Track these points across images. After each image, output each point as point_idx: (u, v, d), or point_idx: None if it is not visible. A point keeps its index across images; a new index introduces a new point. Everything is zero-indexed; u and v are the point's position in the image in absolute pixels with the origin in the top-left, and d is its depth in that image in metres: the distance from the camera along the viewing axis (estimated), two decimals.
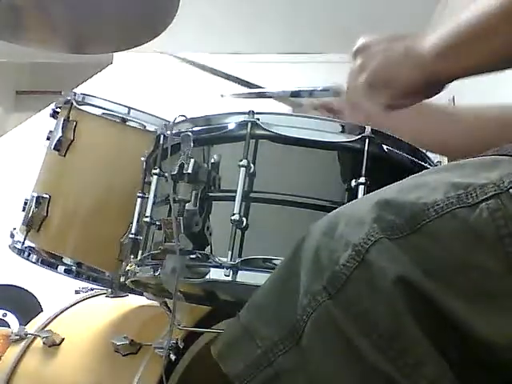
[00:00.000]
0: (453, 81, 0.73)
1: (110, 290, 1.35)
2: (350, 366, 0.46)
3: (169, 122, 0.93)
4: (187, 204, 0.79)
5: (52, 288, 1.96)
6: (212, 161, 0.83)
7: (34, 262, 1.17)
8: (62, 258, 1.15)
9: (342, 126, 0.83)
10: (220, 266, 0.76)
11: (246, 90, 1.05)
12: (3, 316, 2.42)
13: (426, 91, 0.77)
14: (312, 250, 0.52)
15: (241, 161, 0.79)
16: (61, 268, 1.16)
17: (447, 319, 0.45)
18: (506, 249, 0.46)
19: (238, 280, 0.76)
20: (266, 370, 0.50)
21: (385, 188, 0.55)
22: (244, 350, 0.53)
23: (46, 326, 1.29)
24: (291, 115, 0.86)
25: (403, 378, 0.45)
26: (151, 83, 3.64)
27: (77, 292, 1.42)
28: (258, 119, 0.81)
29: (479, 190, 0.48)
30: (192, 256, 0.79)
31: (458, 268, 0.47)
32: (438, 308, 0.45)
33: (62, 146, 1.17)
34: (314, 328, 0.48)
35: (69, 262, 1.15)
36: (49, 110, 1.26)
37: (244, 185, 0.79)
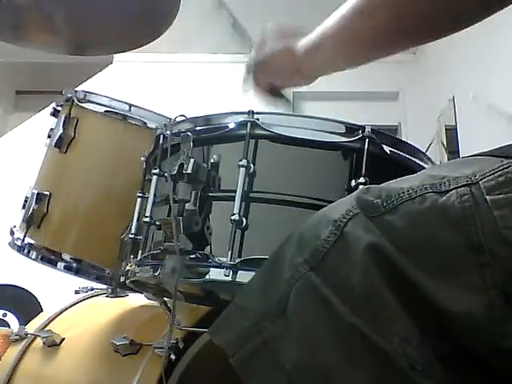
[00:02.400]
0: (318, 75, 0.88)
1: (109, 290, 1.35)
2: (330, 328, 0.50)
3: (170, 119, 0.93)
4: (187, 204, 0.79)
5: (52, 288, 1.96)
6: (212, 161, 0.83)
7: (34, 259, 1.17)
8: (61, 254, 1.15)
9: (342, 126, 0.83)
10: (220, 265, 0.76)
11: None
12: (3, 316, 2.42)
13: (298, 81, 0.93)
14: (298, 233, 0.56)
15: (240, 161, 0.79)
16: (60, 265, 1.16)
17: (413, 287, 0.49)
18: (469, 228, 0.49)
19: (237, 280, 0.76)
20: (254, 338, 0.54)
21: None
22: (234, 323, 0.57)
23: (45, 326, 1.29)
24: (291, 115, 0.86)
25: (378, 336, 0.48)
26: (151, 83, 3.64)
27: (77, 292, 1.42)
28: (258, 119, 0.81)
29: (452, 180, 0.52)
30: (192, 256, 0.79)
31: (424, 243, 0.51)
32: (404, 277, 0.49)
33: (62, 143, 1.17)
34: (296, 297, 0.52)
35: (68, 259, 1.15)
36: (49, 109, 1.26)
37: (244, 185, 0.79)
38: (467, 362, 0.49)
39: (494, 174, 0.51)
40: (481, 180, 0.51)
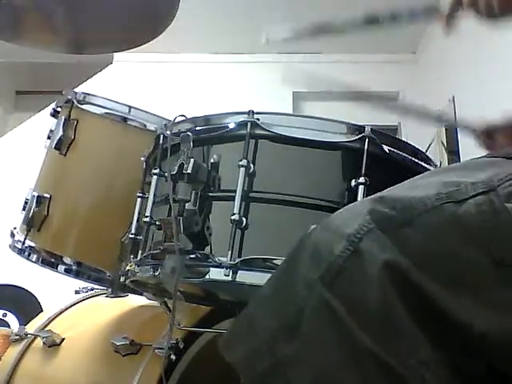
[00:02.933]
0: None
1: (110, 290, 1.35)
2: (345, 349, 0.48)
3: (169, 121, 0.93)
4: (187, 204, 0.79)
5: (52, 288, 1.95)
6: (212, 161, 0.83)
7: (35, 262, 1.16)
8: (62, 257, 1.15)
9: (342, 126, 0.83)
10: (220, 265, 0.76)
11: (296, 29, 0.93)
12: (3, 316, 2.42)
13: None
14: (312, 244, 0.54)
15: (240, 161, 0.79)
16: (61, 267, 1.16)
17: (431, 305, 0.47)
18: (490, 242, 0.48)
19: (237, 280, 0.76)
20: (266, 358, 0.52)
21: (388, 189, 0.57)
22: (245, 339, 0.55)
23: (46, 326, 1.29)
24: (291, 115, 0.86)
25: (393, 359, 0.46)
26: (151, 83, 3.64)
27: (77, 292, 1.42)
28: (258, 119, 0.81)
29: (470, 187, 0.50)
30: (192, 256, 0.79)
31: (443, 258, 0.49)
32: (423, 294, 0.47)
33: (62, 145, 1.17)
34: (311, 316, 0.50)
35: (69, 262, 1.15)
36: (49, 109, 1.26)
37: (244, 185, 0.79)
38: (490, 379, 0.47)
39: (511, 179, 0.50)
40: (499, 186, 0.50)
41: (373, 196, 0.55)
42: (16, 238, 1.18)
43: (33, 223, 1.14)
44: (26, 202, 1.20)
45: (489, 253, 0.47)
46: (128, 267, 0.90)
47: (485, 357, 0.47)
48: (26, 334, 1.28)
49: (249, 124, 0.81)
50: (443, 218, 0.50)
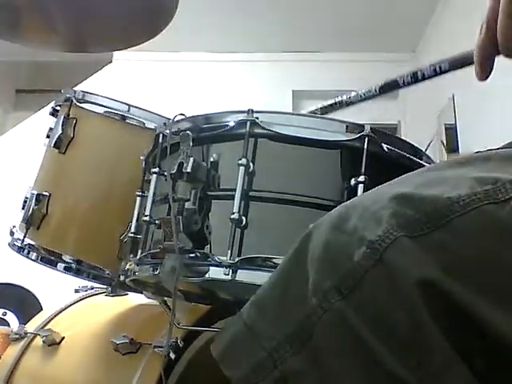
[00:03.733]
0: None
1: (109, 289, 1.35)
2: (365, 371, 0.43)
3: (169, 119, 0.93)
4: (186, 203, 0.79)
5: (52, 287, 1.96)
6: (211, 159, 0.83)
7: (34, 260, 1.16)
8: (61, 255, 1.15)
9: (342, 125, 0.83)
10: (219, 264, 0.76)
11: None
12: (3, 315, 2.42)
13: None
14: (321, 244, 0.47)
15: (240, 159, 0.79)
16: (60, 266, 1.15)
17: (473, 324, 0.41)
18: None
19: (237, 279, 0.76)
20: (272, 373, 0.46)
21: (398, 181, 0.51)
22: (247, 352, 0.49)
23: (45, 325, 1.29)
24: (290, 114, 0.86)
25: None
26: (150, 82, 3.64)
27: (76, 291, 1.42)
28: (258, 118, 0.81)
29: (509, 185, 0.45)
30: (191, 255, 0.79)
31: (486, 268, 0.43)
32: (463, 312, 0.42)
33: (61, 144, 1.17)
34: (325, 330, 0.45)
35: (68, 260, 1.15)
36: (48, 108, 1.26)
37: (243, 183, 0.79)
38: None
39: None
40: None
41: (393, 192, 0.47)
42: (15, 237, 1.18)
43: (32, 221, 1.14)
44: (25, 201, 1.20)
45: None
46: (127, 266, 0.90)
47: None
48: (26, 333, 1.28)
49: (248, 123, 0.81)
50: (484, 222, 0.44)
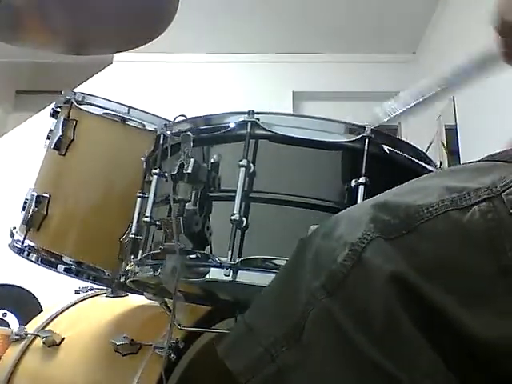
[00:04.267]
0: None
1: (109, 290, 1.35)
2: (348, 360, 0.47)
3: (169, 121, 0.93)
4: (187, 204, 0.79)
5: (52, 288, 1.96)
6: (212, 161, 0.83)
7: (34, 261, 1.16)
8: (61, 257, 1.15)
9: (343, 126, 0.83)
10: (220, 265, 0.76)
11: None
12: (3, 316, 2.41)
13: None
14: (312, 251, 0.53)
15: (241, 161, 0.79)
16: (60, 267, 1.15)
17: (439, 316, 0.46)
18: (497, 250, 0.47)
19: (237, 280, 0.76)
20: (268, 366, 0.51)
21: (383, 193, 0.57)
22: (247, 348, 0.54)
23: (45, 326, 1.29)
24: (291, 115, 0.86)
25: (399, 370, 0.45)
26: (151, 83, 3.64)
27: (76, 292, 1.42)
28: (258, 119, 0.81)
29: (473, 193, 0.50)
30: (192, 256, 0.79)
31: (450, 268, 0.48)
32: (430, 306, 0.46)
33: (61, 146, 1.17)
34: (313, 325, 0.50)
35: (68, 261, 1.15)
36: (49, 109, 1.26)
37: (244, 185, 0.79)
38: None
39: None
40: (503, 192, 0.49)
41: (374, 201, 0.54)
42: (15, 238, 1.18)
43: (32, 223, 1.14)
44: (25, 202, 1.20)
45: (496, 261, 0.47)
46: (128, 267, 0.90)
47: (495, 370, 0.46)
48: (26, 334, 1.28)
49: (249, 124, 0.81)
50: (448, 226, 0.49)
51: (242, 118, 0.82)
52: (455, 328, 0.46)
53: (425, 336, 0.46)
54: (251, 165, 0.80)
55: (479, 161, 0.58)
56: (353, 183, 0.79)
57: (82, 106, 1.18)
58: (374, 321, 0.47)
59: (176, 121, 0.89)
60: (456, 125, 2.87)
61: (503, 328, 0.46)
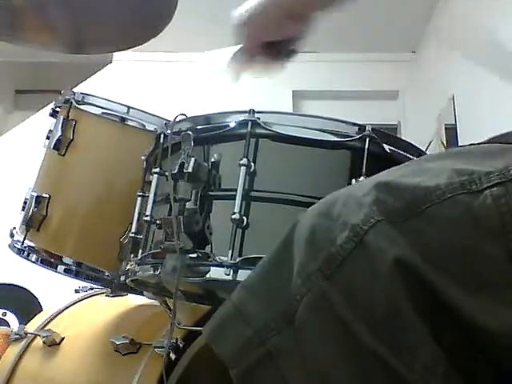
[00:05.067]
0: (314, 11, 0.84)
1: (109, 290, 1.35)
2: (345, 347, 0.46)
3: (169, 121, 0.93)
4: (187, 203, 0.79)
5: (52, 287, 1.95)
6: (212, 160, 0.83)
7: (34, 262, 1.16)
8: (61, 257, 1.15)
9: (343, 126, 0.83)
10: (220, 265, 0.76)
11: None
12: (3, 315, 2.41)
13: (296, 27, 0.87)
14: (307, 229, 0.50)
15: (241, 160, 0.79)
16: (60, 267, 1.15)
17: (444, 305, 0.44)
18: (508, 236, 0.45)
19: (238, 279, 0.76)
20: (257, 349, 0.49)
21: (385, 171, 0.54)
22: (235, 330, 0.52)
23: (45, 326, 1.29)
24: (292, 114, 0.86)
25: (398, 361, 0.44)
26: (151, 82, 3.64)
27: (76, 291, 1.42)
28: (259, 118, 0.81)
29: (484, 177, 0.47)
30: (192, 255, 0.79)
31: (458, 254, 0.45)
32: (435, 293, 0.44)
33: (61, 146, 1.16)
34: (308, 308, 0.48)
35: (68, 262, 1.15)
36: (48, 109, 1.26)
37: (244, 184, 0.79)
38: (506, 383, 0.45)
39: None
40: None
41: (376, 180, 0.50)
42: (15, 238, 1.18)
43: (32, 223, 1.14)
44: (25, 202, 1.20)
45: (508, 249, 0.44)
46: (128, 266, 0.90)
47: (499, 362, 0.45)
48: (26, 333, 1.28)
49: (249, 123, 0.81)
50: (457, 211, 0.46)
51: (242, 117, 0.82)
52: (461, 318, 0.44)
53: (428, 326, 0.44)
54: (252, 164, 0.80)
55: (484, 142, 0.56)
56: (353, 182, 0.79)
57: (81, 106, 1.17)
58: (375, 308, 0.45)
59: (176, 120, 0.89)
60: (456, 124, 2.87)
61: (510, 318, 0.43)
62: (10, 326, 2.30)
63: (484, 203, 0.45)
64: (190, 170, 0.79)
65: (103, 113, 1.16)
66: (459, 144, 2.84)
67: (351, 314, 0.45)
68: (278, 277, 0.51)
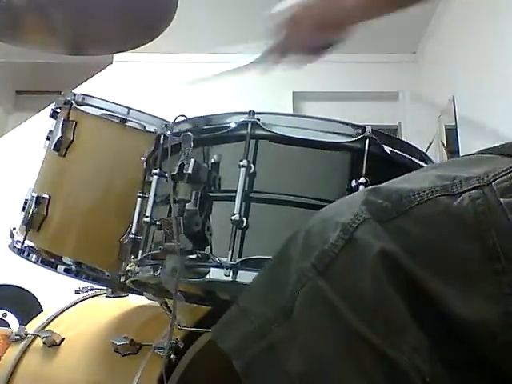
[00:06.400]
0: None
1: (110, 290, 1.35)
2: (338, 335, 0.49)
3: (168, 122, 0.93)
4: (187, 204, 0.79)
5: (52, 288, 1.95)
6: (212, 161, 0.83)
7: (34, 262, 1.16)
8: (61, 257, 1.15)
9: (343, 127, 0.83)
10: (220, 266, 0.76)
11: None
12: (3, 316, 2.41)
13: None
14: (305, 233, 0.55)
15: (241, 161, 0.79)
16: (60, 268, 1.16)
17: (425, 295, 0.48)
18: (483, 234, 0.48)
19: (238, 280, 0.76)
20: (259, 342, 0.53)
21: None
22: (238, 327, 0.55)
23: (45, 326, 1.29)
24: (292, 115, 0.86)
25: (387, 345, 0.47)
26: (151, 83, 3.64)
27: (77, 292, 1.42)
28: (259, 119, 0.81)
29: (464, 181, 0.51)
30: (192, 256, 0.79)
31: (438, 250, 0.49)
32: (417, 284, 0.48)
33: (61, 146, 1.17)
34: (303, 301, 0.51)
35: (68, 262, 1.15)
36: (48, 110, 1.26)
37: (244, 185, 0.79)
38: (480, 371, 0.48)
39: (507, 174, 0.50)
40: (494, 181, 0.50)
41: (368, 187, 0.56)
42: (15, 239, 1.18)
43: (32, 223, 1.14)
44: (25, 203, 1.20)
45: (483, 246, 0.48)
46: (128, 267, 0.90)
47: (479, 352, 0.48)
48: (26, 334, 1.28)
49: (249, 124, 0.81)
50: (437, 211, 0.50)
51: (242, 118, 0.82)
52: (440, 308, 0.47)
53: (411, 311, 0.47)
54: (251, 165, 0.80)
55: (473, 154, 0.60)
56: (353, 183, 0.79)
57: (81, 107, 1.17)
58: (363, 296, 0.49)
59: (176, 121, 0.89)
60: (456, 125, 2.87)
61: (488, 311, 0.47)
62: (10, 327, 2.30)
63: (462, 204, 0.50)
64: (189, 171, 0.79)
65: (103, 114, 1.17)
66: (459, 145, 2.83)
67: (342, 303, 0.49)
68: (278, 277, 0.55)
